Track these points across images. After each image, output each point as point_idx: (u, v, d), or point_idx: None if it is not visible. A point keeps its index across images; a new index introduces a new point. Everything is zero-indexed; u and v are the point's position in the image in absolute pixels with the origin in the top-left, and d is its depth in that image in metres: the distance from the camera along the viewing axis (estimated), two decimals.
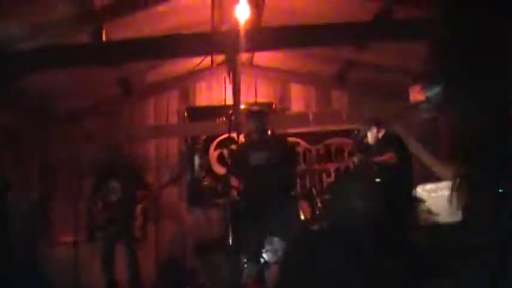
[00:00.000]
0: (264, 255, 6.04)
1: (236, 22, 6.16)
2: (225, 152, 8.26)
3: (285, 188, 6.02)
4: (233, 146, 6.71)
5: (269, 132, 6.37)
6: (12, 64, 5.06)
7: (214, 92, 8.89)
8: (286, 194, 6.02)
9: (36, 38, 5.54)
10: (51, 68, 5.55)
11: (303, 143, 8.53)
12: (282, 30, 5.51)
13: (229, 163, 7.52)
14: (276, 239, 5.96)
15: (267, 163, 5.81)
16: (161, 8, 6.13)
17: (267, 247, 5.92)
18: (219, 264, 6.37)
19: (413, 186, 6.91)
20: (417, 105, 7.62)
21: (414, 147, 7.12)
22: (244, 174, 5.86)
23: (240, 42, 5.00)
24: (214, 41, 5.28)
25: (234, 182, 6.06)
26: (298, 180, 8.09)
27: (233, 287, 5.47)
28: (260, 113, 6.17)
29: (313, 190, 6.87)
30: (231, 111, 6.96)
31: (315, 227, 5.83)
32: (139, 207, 7.84)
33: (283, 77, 8.87)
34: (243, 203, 5.74)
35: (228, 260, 5.95)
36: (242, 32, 5.15)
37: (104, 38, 5.67)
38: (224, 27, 6.95)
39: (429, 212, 7.49)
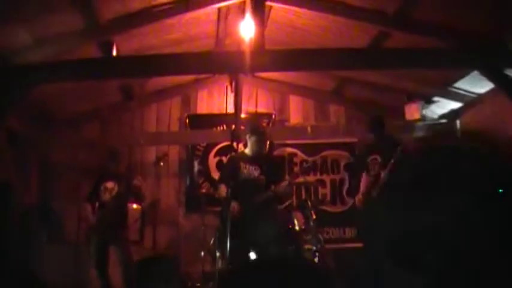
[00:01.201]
0: None
1: (240, 38, 6.39)
2: (224, 159, 8.42)
3: (271, 202, 6.19)
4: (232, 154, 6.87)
5: (266, 149, 6.57)
6: (21, 77, 5.23)
7: (216, 100, 9.06)
8: (271, 208, 6.22)
9: (45, 50, 5.71)
10: (60, 81, 5.72)
11: (300, 153, 8.71)
12: (283, 53, 5.72)
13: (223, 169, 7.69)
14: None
15: (257, 178, 6.04)
16: (168, 21, 6.32)
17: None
18: None
19: None
20: (412, 123, 7.83)
21: None
22: (234, 184, 6.01)
23: (243, 64, 5.20)
24: (217, 61, 5.47)
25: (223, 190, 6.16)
26: (294, 191, 8.30)
27: None
28: (263, 133, 6.37)
29: (308, 201, 7.04)
30: (233, 127, 7.19)
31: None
32: (138, 210, 8.03)
33: (283, 89, 9.04)
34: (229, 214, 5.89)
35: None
36: (245, 53, 5.35)
37: (114, 50, 5.84)
38: (228, 41, 7.17)
39: None
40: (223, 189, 6.04)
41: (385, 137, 6.54)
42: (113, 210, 6.62)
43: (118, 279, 6.72)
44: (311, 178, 8.44)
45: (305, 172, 7.41)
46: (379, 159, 6.43)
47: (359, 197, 6.62)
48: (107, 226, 6.56)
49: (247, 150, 6.20)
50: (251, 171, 6.08)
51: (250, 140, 6.14)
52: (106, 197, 6.68)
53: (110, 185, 6.73)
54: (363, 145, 6.83)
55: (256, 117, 8.78)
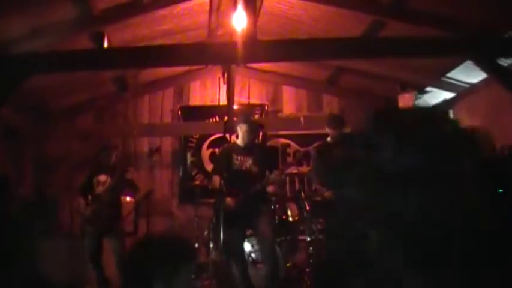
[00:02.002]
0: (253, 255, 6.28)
1: (232, 28, 6.37)
2: (217, 151, 8.42)
3: (263, 194, 6.21)
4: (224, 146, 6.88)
5: (259, 140, 6.59)
6: (13, 67, 5.20)
7: (208, 91, 9.05)
8: (264, 200, 6.23)
9: (38, 41, 5.67)
10: (53, 72, 5.69)
11: (293, 144, 8.71)
12: (275, 44, 5.71)
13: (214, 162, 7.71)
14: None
15: (249, 168, 6.05)
16: (160, 12, 6.29)
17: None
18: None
19: None
20: None
21: None
22: (227, 176, 6.03)
23: (235, 55, 5.18)
24: (210, 52, 5.45)
25: (217, 181, 6.19)
26: (286, 181, 8.31)
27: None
28: (253, 122, 6.38)
29: (302, 192, 7.06)
30: (226, 118, 7.19)
31: None
32: (132, 203, 8.02)
33: (276, 79, 9.03)
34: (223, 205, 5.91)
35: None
36: (237, 44, 5.33)
37: (105, 40, 5.81)
38: (220, 32, 7.15)
39: None
40: (216, 181, 6.06)
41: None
42: (107, 203, 6.61)
43: (113, 270, 6.75)
44: (304, 169, 8.43)
45: (298, 162, 7.40)
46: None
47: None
48: (101, 218, 6.56)
49: (239, 141, 6.20)
50: (243, 162, 6.08)
51: (241, 130, 6.15)
52: (99, 189, 6.68)
53: (102, 178, 6.72)
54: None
55: (247, 107, 8.76)
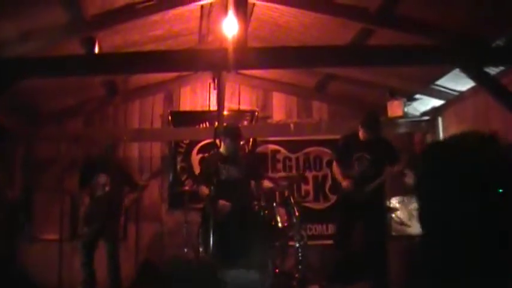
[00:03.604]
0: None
1: (223, 35, 6.39)
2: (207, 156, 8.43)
3: (250, 202, 6.29)
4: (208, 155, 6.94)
5: (243, 148, 6.66)
6: (3, 71, 5.21)
7: (198, 97, 9.05)
8: (251, 208, 6.31)
9: (28, 45, 5.68)
10: (43, 77, 5.69)
11: (283, 150, 8.73)
12: (265, 50, 5.77)
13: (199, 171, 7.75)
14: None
15: (237, 178, 6.10)
16: (151, 17, 6.31)
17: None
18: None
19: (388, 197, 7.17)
20: (395, 119, 7.89)
21: None
22: (214, 185, 6.06)
23: (226, 61, 5.22)
24: (200, 58, 5.48)
25: (205, 191, 6.24)
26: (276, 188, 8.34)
27: None
28: (237, 132, 6.46)
29: (291, 198, 7.07)
30: (216, 124, 7.23)
31: None
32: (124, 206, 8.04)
33: (266, 86, 9.04)
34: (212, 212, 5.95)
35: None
36: (228, 50, 5.36)
37: (96, 46, 5.82)
38: (211, 38, 7.17)
39: (402, 223, 7.77)
40: (204, 191, 6.12)
41: (380, 137, 6.49)
42: (107, 201, 6.63)
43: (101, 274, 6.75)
44: (294, 174, 8.47)
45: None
46: (367, 156, 6.41)
47: (345, 182, 6.48)
48: (99, 219, 6.58)
49: (223, 151, 6.29)
50: (230, 171, 6.15)
51: (225, 143, 6.23)
52: (99, 191, 6.68)
53: (102, 179, 6.72)
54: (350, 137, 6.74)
55: (237, 113, 8.77)
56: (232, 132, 6.44)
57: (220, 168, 6.12)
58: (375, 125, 6.39)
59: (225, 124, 7.18)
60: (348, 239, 6.41)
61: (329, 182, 8.53)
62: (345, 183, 6.38)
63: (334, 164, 6.74)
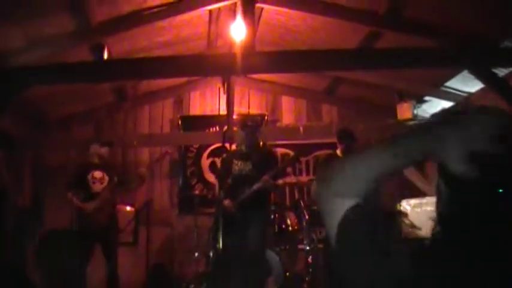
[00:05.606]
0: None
1: (231, 39, 6.41)
2: (217, 160, 8.42)
3: (263, 199, 6.19)
4: (223, 156, 6.88)
5: (260, 144, 6.57)
6: (12, 79, 5.25)
7: (208, 101, 9.08)
8: (263, 205, 6.20)
9: (37, 52, 5.72)
10: (52, 84, 5.72)
11: (292, 154, 8.71)
12: (274, 54, 5.78)
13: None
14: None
15: (249, 173, 6.04)
16: (159, 23, 6.34)
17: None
18: None
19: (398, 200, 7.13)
20: (404, 122, 7.86)
21: None
22: (226, 181, 6.05)
23: (234, 66, 5.23)
24: (209, 63, 5.49)
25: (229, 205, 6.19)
26: (287, 191, 8.34)
27: None
28: (253, 127, 6.36)
29: (301, 201, 7.07)
30: (225, 129, 7.20)
31: None
32: (131, 212, 8.04)
33: (275, 89, 9.06)
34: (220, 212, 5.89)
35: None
36: (237, 55, 5.38)
37: (105, 52, 5.86)
38: (219, 43, 7.19)
39: (412, 226, 7.74)
40: (228, 204, 6.07)
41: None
42: (107, 200, 6.54)
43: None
44: (304, 178, 8.46)
45: (288, 163, 7.34)
46: None
47: None
48: (100, 218, 6.44)
49: (240, 147, 6.24)
50: (243, 167, 6.08)
51: (240, 136, 6.16)
52: (97, 187, 6.58)
53: (98, 174, 6.64)
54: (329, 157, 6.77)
55: (246, 117, 8.77)
56: (246, 124, 6.34)
57: (234, 164, 6.08)
58: (350, 138, 6.37)
59: (241, 119, 7.03)
60: None
61: None
62: None
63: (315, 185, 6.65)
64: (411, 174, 7.09)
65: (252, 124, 6.34)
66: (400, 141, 1.17)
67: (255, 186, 5.92)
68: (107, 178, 6.63)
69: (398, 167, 1.18)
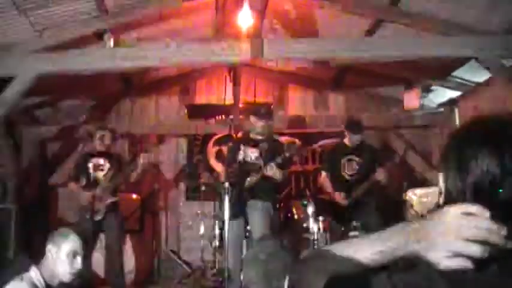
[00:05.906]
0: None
1: (238, 27, 6.39)
2: (223, 149, 8.40)
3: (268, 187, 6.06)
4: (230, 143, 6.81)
5: (272, 133, 6.47)
6: (21, 67, 5.26)
7: (214, 90, 9.09)
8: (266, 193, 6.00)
9: (45, 40, 5.72)
10: (57, 72, 5.70)
11: (298, 143, 8.70)
12: (281, 42, 5.78)
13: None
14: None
15: (255, 161, 5.96)
16: (166, 10, 6.33)
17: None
18: None
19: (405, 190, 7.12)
20: (411, 111, 7.85)
21: (407, 152, 7.28)
22: (231, 167, 5.99)
23: (240, 54, 5.23)
24: (216, 50, 5.47)
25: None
26: (292, 180, 8.35)
27: None
28: (267, 115, 6.19)
29: (307, 190, 7.07)
30: (231, 118, 7.16)
31: None
32: (137, 200, 8.03)
33: (282, 78, 9.06)
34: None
35: None
36: (243, 43, 5.38)
37: (111, 40, 5.85)
38: (226, 30, 7.17)
39: (418, 216, 7.73)
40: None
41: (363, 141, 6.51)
42: (109, 187, 6.36)
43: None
44: (310, 167, 8.47)
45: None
46: (356, 159, 6.39)
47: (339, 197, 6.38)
48: (101, 204, 6.26)
49: (252, 134, 6.12)
50: (249, 154, 5.97)
51: (257, 125, 6.01)
52: (99, 174, 6.46)
53: (99, 161, 6.51)
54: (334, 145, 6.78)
55: (252, 106, 8.72)
56: (259, 110, 6.19)
57: (241, 150, 5.98)
58: (359, 128, 6.40)
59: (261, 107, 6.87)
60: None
61: None
62: (339, 199, 6.32)
63: (324, 175, 6.64)
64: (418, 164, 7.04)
65: (265, 112, 6.23)
66: None
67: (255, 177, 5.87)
68: (107, 165, 6.54)
69: None
